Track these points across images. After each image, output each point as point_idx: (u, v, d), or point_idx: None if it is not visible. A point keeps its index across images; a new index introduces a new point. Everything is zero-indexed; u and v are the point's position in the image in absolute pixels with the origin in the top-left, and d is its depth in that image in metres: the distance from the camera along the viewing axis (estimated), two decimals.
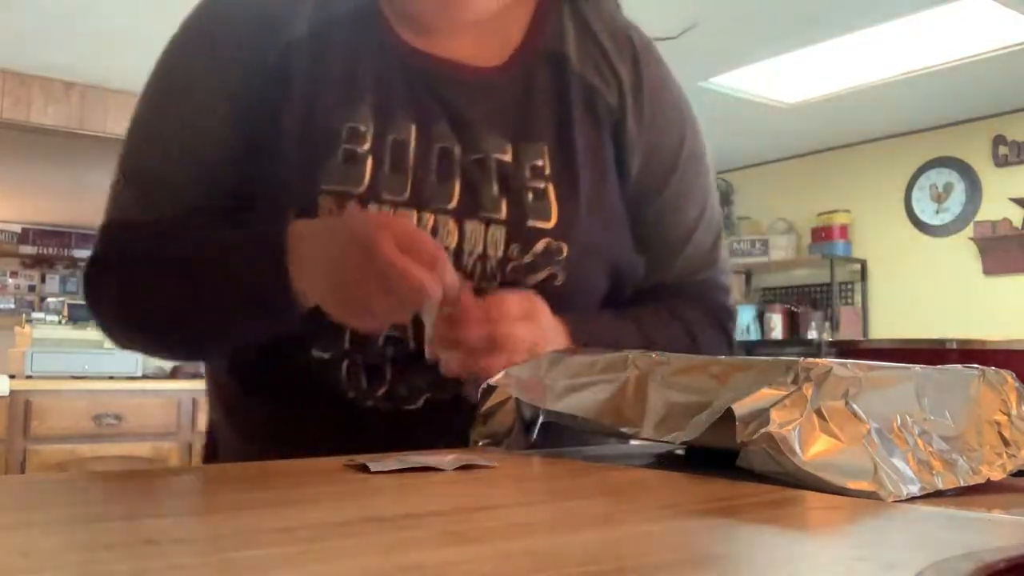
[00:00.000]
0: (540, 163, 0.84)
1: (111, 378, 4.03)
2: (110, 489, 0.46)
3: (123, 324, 0.85)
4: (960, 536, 0.38)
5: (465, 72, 0.85)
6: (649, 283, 0.92)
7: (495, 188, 0.82)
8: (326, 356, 0.80)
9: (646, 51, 0.94)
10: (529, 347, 0.72)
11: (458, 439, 0.66)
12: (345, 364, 0.80)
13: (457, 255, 0.80)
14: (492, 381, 0.65)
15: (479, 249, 0.81)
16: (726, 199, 6.19)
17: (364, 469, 0.51)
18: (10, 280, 8.42)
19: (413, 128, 0.82)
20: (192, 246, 0.80)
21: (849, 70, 4.10)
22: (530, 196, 0.83)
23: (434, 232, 0.80)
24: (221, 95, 0.82)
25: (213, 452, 0.94)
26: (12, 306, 8.27)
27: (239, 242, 0.78)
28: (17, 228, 8.40)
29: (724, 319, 0.95)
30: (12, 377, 3.80)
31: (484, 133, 0.83)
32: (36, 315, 4.89)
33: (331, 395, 0.80)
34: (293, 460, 0.56)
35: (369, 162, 0.79)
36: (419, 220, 0.80)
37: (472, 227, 0.81)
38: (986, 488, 0.50)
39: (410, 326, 0.79)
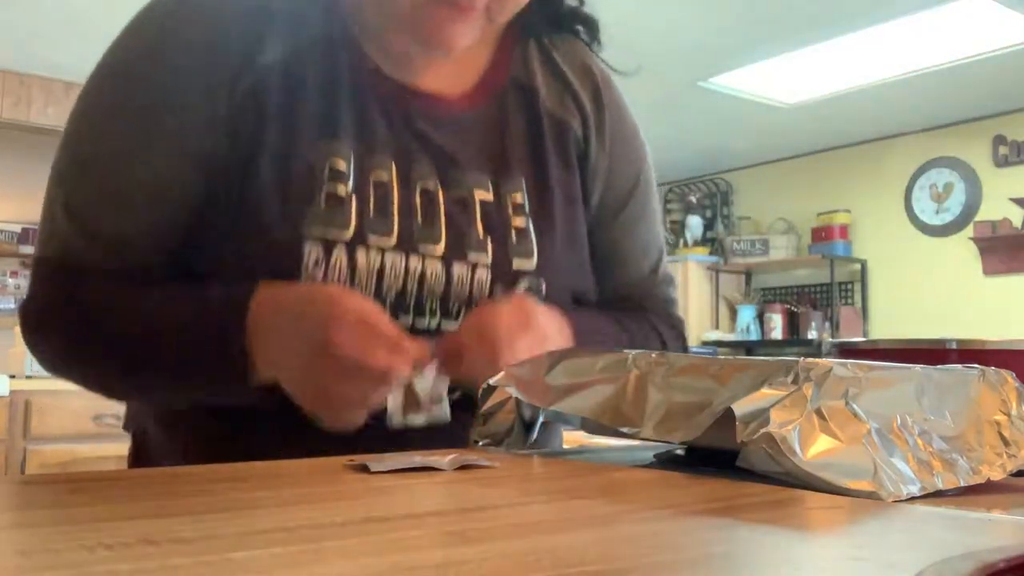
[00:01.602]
0: (520, 199, 0.84)
1: None
2: (110, 489, 0.46)
3: (66, 370, 0.80)
4: (960, 536, 0.38)
5: (442, 105, 0.84)
6: (597, 297, 0.93)
7: (479, 229, 0.82)
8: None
9: (606, 83, 0.95)
10: (538, 348, 0.71)
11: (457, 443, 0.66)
12: None
13: (444, 299, 0.80)
14: (492, 381, 0.65)
15: (466, 292, 0.81)
16: (726, 199, 6.19)
17: (364, 469, 0.51)
18: (10, 280, 8.42)
19: (393, 167, 0.80)
20: (147, 307, 0.75)
21: (849, 70, 4.10)
22: (513, 236, 0.83)
23: (422, 277, 0.79)
24: (186, 132, 0.76)
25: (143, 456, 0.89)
26: (12, 306, 8.27)
27: (199, 308, 0.73)
28: (17, 228, 8.40)
29: (678, 326, 0.98)
30: (12, 377, 3.80)
31: (465, 170, 0.83)
32: None
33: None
34: (293, 460, 0.56)
35: (353, 204, 0.77)
36: (407, 264, 0.78)
37: (459, 270, 0.80)
38: (986, 488, 0.50)
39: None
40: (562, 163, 0.88)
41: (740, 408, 0.49)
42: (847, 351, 0.76)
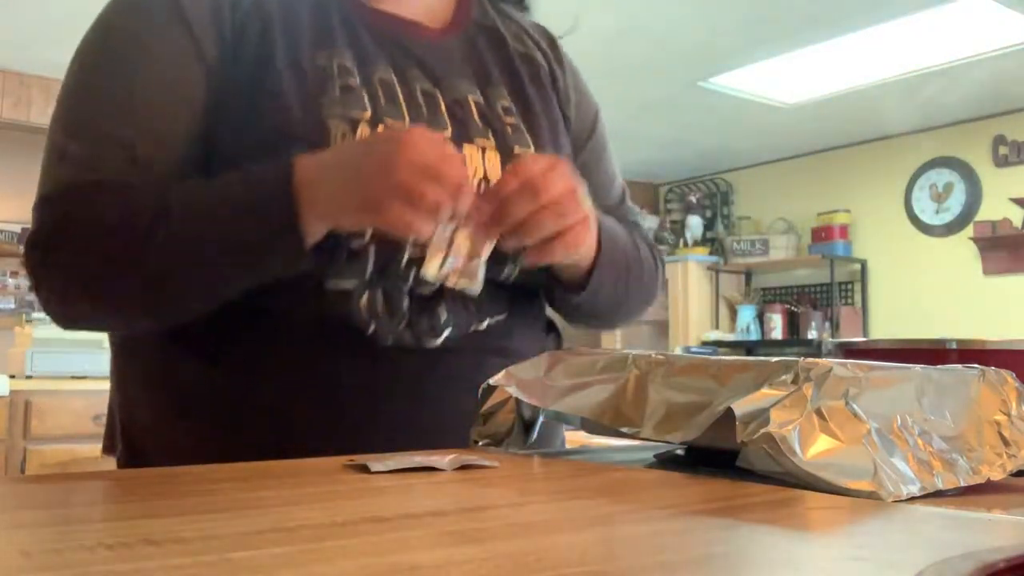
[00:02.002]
0: (507, 105, 0.91)
1: None
2: (110, 489, 0.46)
3: (83, 294, 0.77)
4: (960, 536, 0.38)
5: (423, 31, 0.91)
6: None
7: (479, 123, 0.88)
8: (347, 286, 0.78)
9: (555, 39, 1.05)
10: (575, 196, 0.75)
11: (471, 391, 0.68)
12: (365, 296, 0.79)
13: None
14: (492, 381, 0.65)
15: (480, 172, 0.85)
16: (726, 199, 6.19)
17: (364, 469, 0.51)
18: (10, 280, 8.41)
19: (391, 71, 0.85)
20: (180, 198, 0.74)
21: (849, 70, 4.10)
22: (509, 130, 0.89)
23: None
24: (193, 43, 0.79)
25: (134, 457, 0.85)
26: (12, 306, 8.26)
27: (237, 183, 0.74)
28: (17, 228, 8.38)
29: (651, 240, 1.04)
30: (12, 377, 3.80)
31: (455, 80, 0.89)
32: (36, 315, 4.88)
33: (349, 335, 0.78)
34: (293, 460, 0.56)
35: (365, 92, 0.82)
36: None
37: (469, 151, 0.85)
38: (986, 488, 0.50)
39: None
40: (536, 89, 0.96)
41: (740, 408, 0.49)
42: (847, 351, 0.76)
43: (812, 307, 5.67)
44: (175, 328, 0.80)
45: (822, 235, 5.55)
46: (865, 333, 5.41)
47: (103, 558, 0.29)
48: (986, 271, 4.95)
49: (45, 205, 0.78)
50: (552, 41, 1.02)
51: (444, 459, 0.53)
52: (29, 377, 3.84)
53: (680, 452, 0.61)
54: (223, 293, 0.76)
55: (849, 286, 5.60)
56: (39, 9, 3.49)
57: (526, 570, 0.29)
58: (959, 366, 0.57)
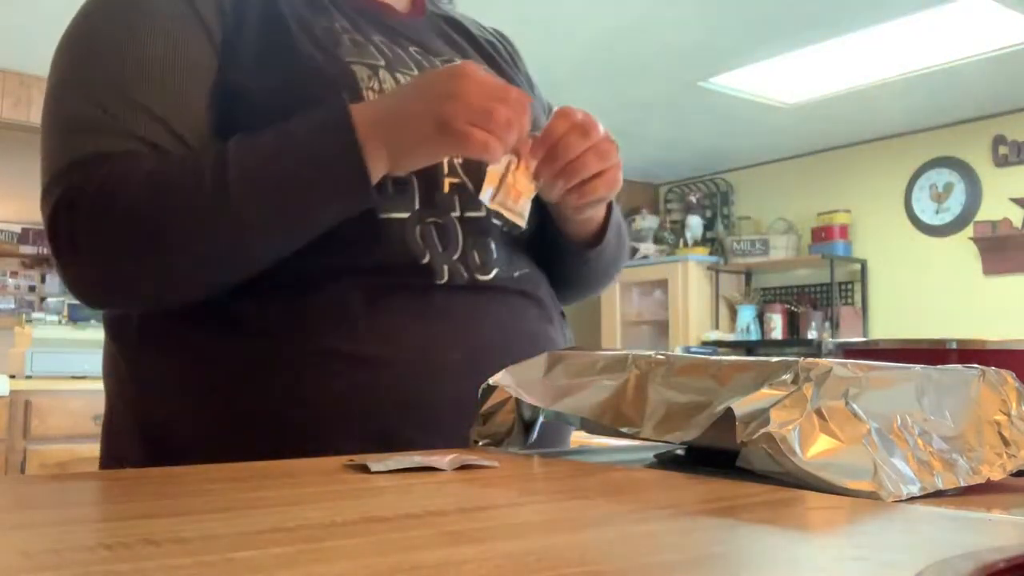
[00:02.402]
0: (489, 70, 0.95)
1: None
2: (110, 489, 0.46)
3: (124, 257, 0.73)
4: (960, 536, 0.38)
5: (396, 12, 0.95)
6: None
7: None
8: (403, 215, 0.81)
9: (506, 36, 1.11)
10: (611, 140, 0.81)
11: (524, 333, 0.75)
12: (419, 227, 0.82)
13: None
14: (492, 381, 0.65)
15: None
16: (726, 199, 6.19)
17: (364, 469, 0.51)
18: (10, 280, 8.42)
19: (383, 38, 0.89)
20: (231, 153, 0.73)
21: (849, 70, 4.10)
22: None
23: None
24: (197, 16, 0.80)
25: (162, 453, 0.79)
26: (12, 306, 8.27)
27: (290, 131, 0.74)
28: (17, 228, 8.39)
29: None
30: (12, 377, 3.80)
31: (439, 48, 0.94)
32: (36, 315, 4.89)
33: (405, 269, 0.80)
34: (293, 460, 0.56)
35: (372, 47, 0.86)
36: None
37: None
38: (986, 488, 0.50)
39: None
40: (507, 66, 1.02)
41: (740, 408, 0.49)
42: (847, 351, 0.76)
43: (812, 307, 5.67)
44: (215, 308, 0.78)
45: (822, 235, 5.55)
46: (865, 333, 5.41)
47: (103, 558, 0.29)
48: (986, 271, 4.95)
49: (78, 169, 0.74)
50: (505, 36, 1.08)
51: (444, 459, 0.53)
52: (29, 377, 3.84)
53: (680, 452, 0.61)
54: (291, 242, 0.75)
55: (849, 286, 5.60)
56: (39, 9, 3.49)
57: (526, 570, 0.29)
58: (959, 366, 0.57)
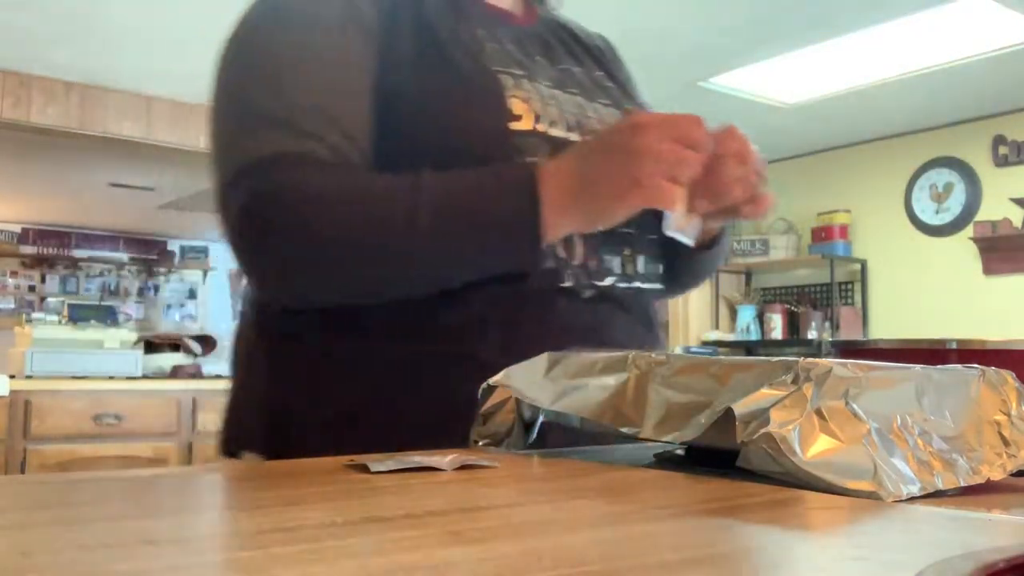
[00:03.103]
0: (601, 74, 1.01)
1: (111, 378, 4.03)
2: (109, 489, 0.46)
3: (311, 263, 0.78)
4: (960, 536, 0.38)
5: (516, 18, 0.98)
6: None
7: (591, 86, 0.98)
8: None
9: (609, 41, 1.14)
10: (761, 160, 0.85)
11: (639, 344, 0.76)
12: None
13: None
14: (492, 381, 0.65)
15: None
16: None
17: (364, 469, 0.51)
18: (10, 280, 8.42)
19: (513, 44, 0.92)
20: (435, 183, 0.77)
21: (849, 70, 4.10)
22: (613, 92, 1.00)
23: (579, 110, 0.92)
24: (361, 22, 0.84)
25: (290, 437, 0.84)
26: (12, 306, 8.27)
27: (482, 174, 0.79)
28: (17, 228, 8.39)
29: None
30: (12, 377, 3.80)
31: (556, 54, 0.98)
32: (36, 315, 4.89)
33: (535, 277, 0.82)
34: (293, 460, 0.56)
35: (509, 55, 0.90)
36: (565, 101, 0.91)
37: (599, 108, 0.95)
38: (986, 488, 0.50)
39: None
40: (616, 70, 1.06)
41: (740, 408, 0.49)
42: (847, 351, 0.76)
43: (812, 307, 5.67)
44: (352, 309, 0.82)
45: (822, 235, 5.55)
46: (865, 333, 5.41)
47: (103, 558, 0.29)
48: (986, 271, 4.95)
49: (265, 167, 0.78)
50: (607, 40, 1.11)
51: (444, 459, 0.53)
52: (29, 377, 3.84)
53: (680, 452, 0.61)
54: (454, 280, 0.80)
55: (849, 286, 5.60)
56: (39, 9, 3.49)
57: (526, 570, 0.29)
58: (959, 366, 0.57)
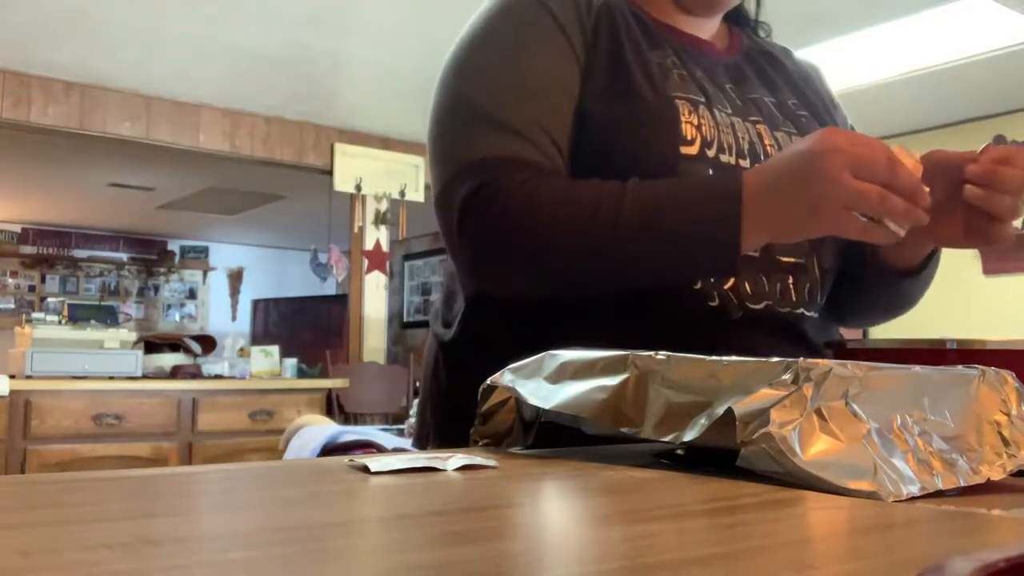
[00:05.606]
0: (796, 102, 1.02)
1: (111, 378, 4.03)
2: (110, 489, 0.46)
3: (537, 254, 0.84)
4: (960, 536, 0.38)
5: (716, 49, 1.01)
6: None
7: (779, 115, 0.98)
8: None
9: (818, 67, 1.15)
10: None
11: (789, 350, 0.75)
12: None
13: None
14: (492, 381, 0.65)
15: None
16: None
17: (364, 469, 0.51)
18: (10, 280, 8.42)
19: (704, 73, 0.95)
20: (639, 193, 0.81)
21: (849, 70, 4.10)
22: (804, 120, 1.00)
23: (760, 136, 0.94)
24: (570, 45, 0.90)
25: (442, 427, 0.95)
26: (12, 306, 8.27)
27: (691, 185, 0.83)
28: (17, 228, 8.39)
29: None
30: (12, 377, 3.80)
31: (749, 84, 0.99)
32: (36, 315, 4.89)
33: (687, 297, 0.85)
34: (293, 460, 0.56)
35: (695, 83, 0.92)
36: (742, 129, 0.93)
37: (781, 137, 0.96)
38: (986, 488, 0.50)
39: None
40: (817, 98, 1.05)
41: (740, 408, 0.49)
42: (847, 351, 0.76)
43: None
44: (525, 322, 0.87)
45: None
46: (865, 333, 5.41)
47: (103, 558, 0.29)
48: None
49: (493, 165, 0.85)
50: (815, 67, 1.12)
51: (444, 459, 0.53)
52: (29, 377, 3.84)
53: (680, 452, 0.61)
54: (652, 283, 0.84)
55: None
56: (39, 9, 3.49)
57: (526, 570, 0.29)
58: (959, 366, 0.57)
